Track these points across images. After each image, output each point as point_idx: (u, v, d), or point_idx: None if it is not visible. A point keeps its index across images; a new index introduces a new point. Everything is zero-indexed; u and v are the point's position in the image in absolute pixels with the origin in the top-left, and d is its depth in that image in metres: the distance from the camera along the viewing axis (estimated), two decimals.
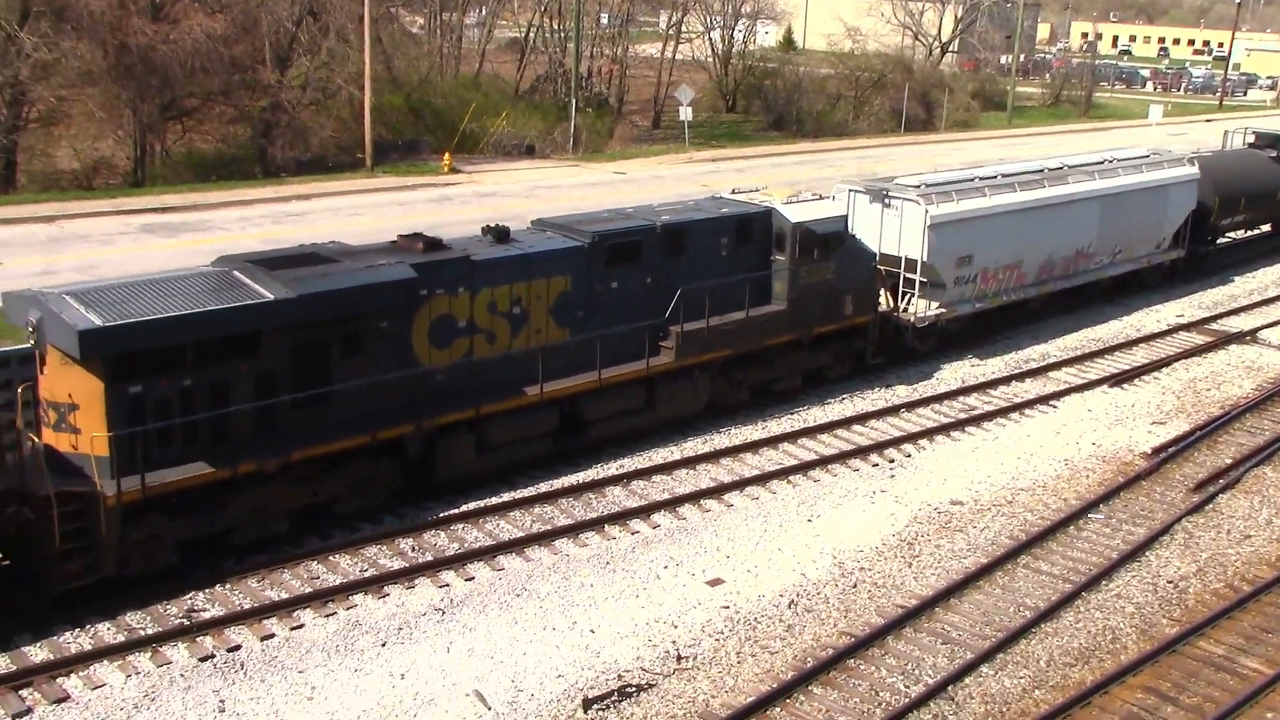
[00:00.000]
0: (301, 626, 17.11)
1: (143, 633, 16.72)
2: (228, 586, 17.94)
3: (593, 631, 17.44)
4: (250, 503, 18.62)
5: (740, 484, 22.51)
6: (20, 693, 15.31)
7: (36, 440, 17.38)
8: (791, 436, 24.88)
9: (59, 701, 15.23)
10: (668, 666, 16.62)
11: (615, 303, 22.98)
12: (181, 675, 15.90)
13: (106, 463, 17.13)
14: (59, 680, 15.57)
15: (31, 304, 17.70)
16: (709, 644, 17.26)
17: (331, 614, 17.44)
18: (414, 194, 48.90)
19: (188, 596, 17.63)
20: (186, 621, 16.96)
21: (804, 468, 23.41)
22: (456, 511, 20.74)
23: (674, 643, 17.24)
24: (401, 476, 20.52)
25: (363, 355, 19.68)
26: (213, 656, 16.28)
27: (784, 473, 23.08)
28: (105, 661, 15.99)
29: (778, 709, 15.64)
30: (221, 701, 15.42)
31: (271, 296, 18.29)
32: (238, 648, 16.52)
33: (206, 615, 17.23)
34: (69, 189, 49.60)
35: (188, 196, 45.22)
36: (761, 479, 22.76)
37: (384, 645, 16.84)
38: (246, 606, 17.41)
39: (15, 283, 20.04)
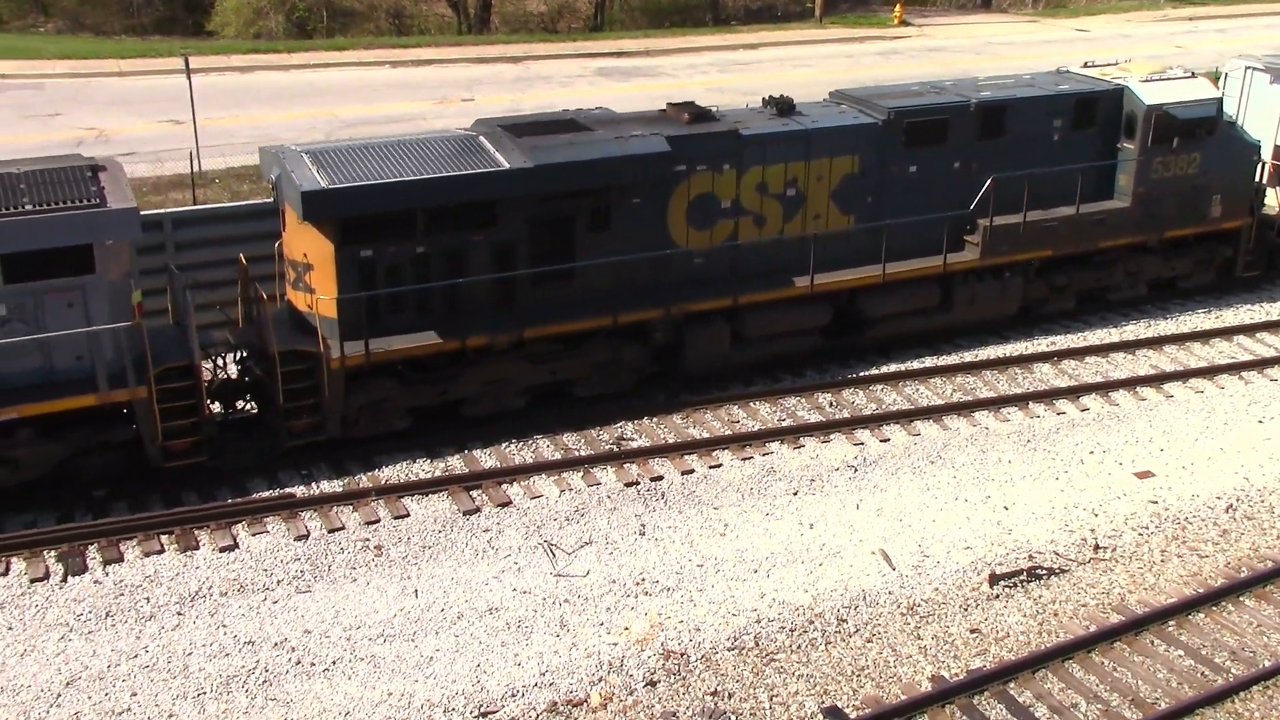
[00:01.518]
0: (719, 466, 17.91)
1: (577, 453, 18.00)
2: (655, 420, 18.98)
3: (1006, 508, 17.13)
4: (483, 376, 18.52)
5: (1184, 375, 21.04)
6: (471, 493, 16.96)
7: (265, 299, 17.78)
8: (1248, 330, 22.73)
9: (502, 505, 16.81)
10: (1083, 554, 16.14)
11: (912, 188, 21.09)
12: (609, 496, 17.12)
13: (334, 324, 17.46)
14: (504, 486, 17.13)
15: (274, 161, 17.81)
16: (1131, 537, 16.55)
17: (748, 458, 18.11)
18: (861, 46, 48.01)
19: (619, 425, 18.82)
20: (616, 448, 18.08)
21: (1260, 365, 21.40)
22: (877, 373, 20.81)
23: (1092, 531, 16.66)
24: (650, 362, 19.85)
25: (611, 232, 18.85)
26: (637, 484, 17.42)
27: (1234, 368, 21.24)
28: (544, 475, 17.53)
29: (1201, 615, 14.77)
30: (642, 525, 16.49)
31: (507, 165, 17.70)
32: (660, 478, 17.56)
33: (634, 444, 18.31)
34: (536, 31, 52.44)
35: (642, 42, 46.74)
36: (1208, 372, 21.14)
37: (795, 494, 17.31)
38: (670, 441, 18.37)
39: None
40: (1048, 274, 22.59)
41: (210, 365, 18.16)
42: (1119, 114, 22.43)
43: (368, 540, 16.19)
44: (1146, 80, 22.58)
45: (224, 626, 14.53)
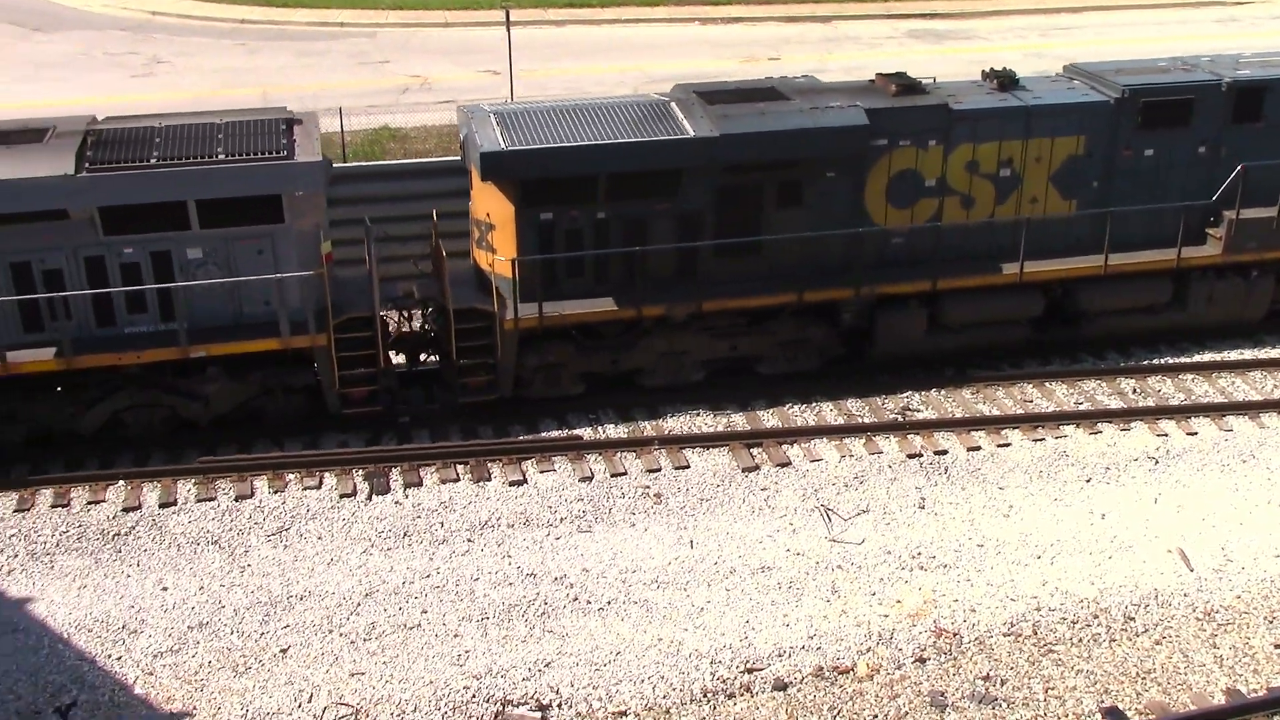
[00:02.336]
0: (1008, 445, 17.38)
1: (860, 420, 17.81)
2: (943, 393, 18.65)
3: None
4: (660, 347, 18.31)
5: None
6: (751, 450, 17.13)
7: (444, 256, 17.74)
8: None
9: (781, 465, 16.92)
10: None
11: (1146, 174, 19.36)
12: (889, 466, 16.88)
13: (512, 285, 17.41)
14: (784, 446, 17.19)
15: (465, 119, 17.86)
16: None
17: (1040, 439, 17.49)
18: (1196, 13, 44.79)
19: (905, 395, 18.56)
20: (900, 418, 17.79)
21: None
22: (1187, 360, 19.48)
23: None
24: (840, 344, 19.13)
25: (802, 207, 18.16)
26: (920, 455, 17.10)
27: None
28: (825, 439, 17.46)
29: None
30: (922, 498, 16.18)
31: (692, 133, 17.29)
32: (944, 452, 17.20)
33: (919, 416, 17.99)
34: None
35: (955, 4, 45.17)
36: None
37: (1088, 481, 16.58)
38: (958, 416, 17.96)
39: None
40: None
41: (396, 318, 18.75)
42: None
43: (648, 487, 16.57)
44: None
45: (509, 557, 15.23)
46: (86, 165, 15.95)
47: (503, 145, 16.85)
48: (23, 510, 16.04)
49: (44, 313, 16.42)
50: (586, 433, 17.84)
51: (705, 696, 13.07)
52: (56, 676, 13.24)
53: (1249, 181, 19.16)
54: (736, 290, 18.08)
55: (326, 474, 16.81)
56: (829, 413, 18.32)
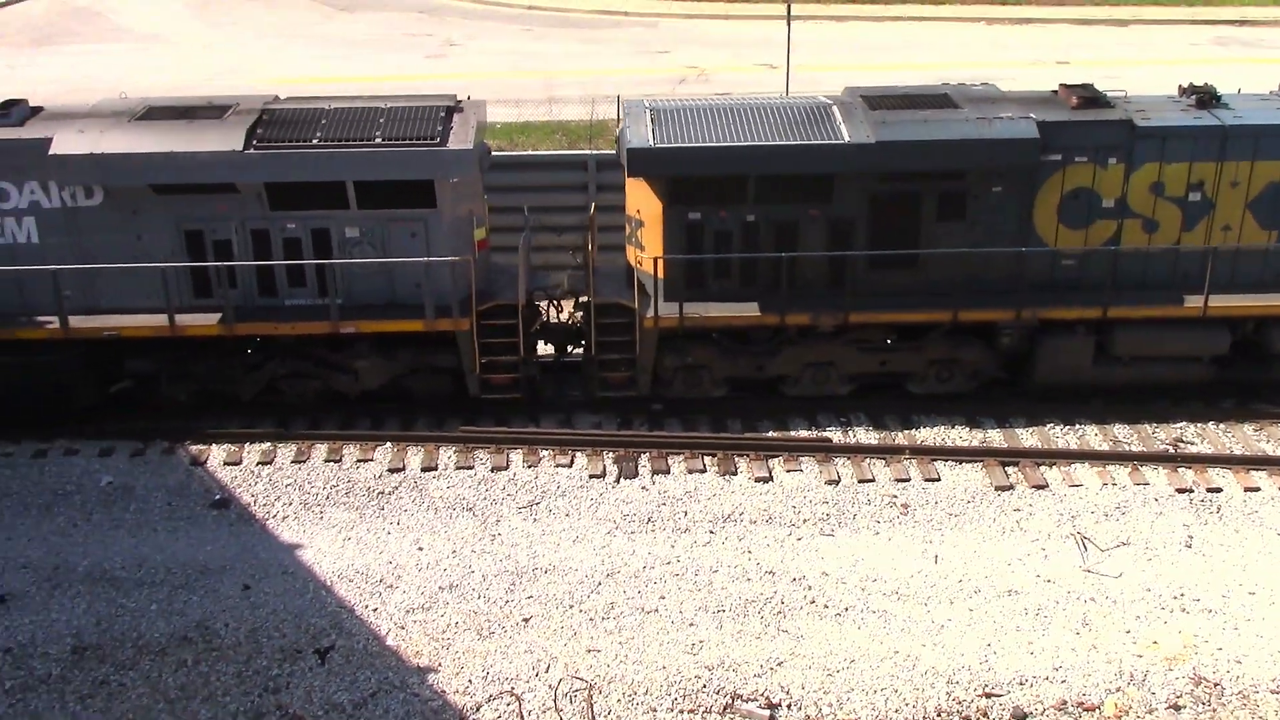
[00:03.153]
0: None
1: (1127, 447, 17.01)
2: (1221, 427, 17.72)
3: None
4: (805, 357, 17.72)
5: None
6: (1006, 469, 16.66)
7: (592, 250, 17.71)
8: None
9: (1038, 487, 16.39)
10: None
11: None
12: (1155, 499, 16.12)
13: (657, 283, 17.18)
14: (1041, 468, 16.62)
15: (623, 114, 17.61)
16: None
17: None
18: None
19: (1178, 426, 17.64)
20: (1172, 450, 16.88)
21: None
22: None
23: None
24: (997, 367, 18.07)
25: (965, 221, 17.26)
26: (1190, 491, 16.27)
27: None
28: (1086, 464, 16.89)
29: None
30: (1190, 537, 15.38)
31: (846, 139, 16.63)
32: (1218, 490, 16.35)
33: (1193, 449, 17.06)
34: None
35: (1269, 10, 42.22)
36: None
37: None
38: (1237, 453, 17.00)
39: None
40: None
41: (544, 307, 18.76)
42: None
43: (895, 497, 16.28)
44: None
45: (749, 553, 15.26)
46: (255, 143, 16.79)
47: (651, 141, 16.77)
48: (300, 462, 17.16)
49: (213, 280, 17.39)
50: (836, 435, 17.66)
51: (939, 716, 12.75)
52: (318, 620, 14.12)
53: None
54: (887, 304, 17.52)
55: (578, 453, 17.25)
56: (1093, 437, 17.51)
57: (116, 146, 16.63)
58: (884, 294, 17.56)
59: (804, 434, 17.70)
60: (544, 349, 19.24)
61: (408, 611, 14.30)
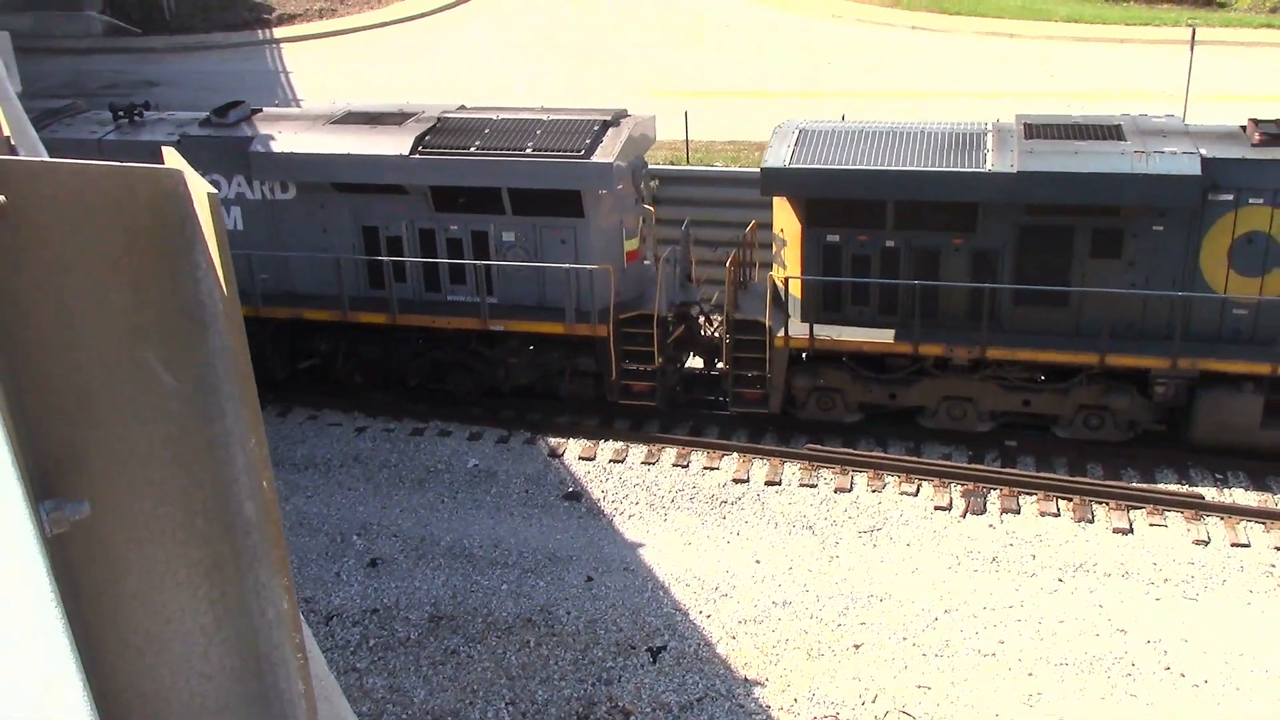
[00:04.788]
0: None
1: None
2: None
3: None
4: (941, 389, 17.31)
5: None
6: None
7: (732, 266, 17.84)
8: None
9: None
10: None
11: None
12: None
13: (795, 303, 17.38)
14: None
15: (773, 134, 17.55)
16: None
17: None
18: None
19: None
20: None
21: None
22: None
23: None
24: (1153, 418, 16.97)
25: (1122, 260, 16.29)
26: None
27: None
28: None
29: None
30: None
31: (990, 168, 16.04)
32: None
33: None
34: None
35: None
36: None
37: None
38: None
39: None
40: None
41: (688, 318, 18.78)
42: None
43: (1273, 566, 14.92)
44: None
45: (1101, 607, 14.42)
46: (420, 149, 17.83)
47: (785, 162, 16.73)
48: (649, 464, 17.71)
49: (386, 273, 18.32)
50: (1209, 493, 16.38)
51: None
52: (653, 620, 14.51)
53: None
54: (1030, 341, 16.77)
55: (924, 483, 16.87)
56: None
57: (306, 147, 18.28)
58: (1029, 331, 16.91)
59: (1173, 487, 16.53)
60: (693, 362, 19.76)
61: (740, 622, 14.45)
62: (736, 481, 17.18)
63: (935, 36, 40.99)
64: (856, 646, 13.99)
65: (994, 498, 16.50)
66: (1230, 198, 15.89)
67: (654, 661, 13.83)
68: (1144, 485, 16.60)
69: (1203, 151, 15.81)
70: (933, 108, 25.84)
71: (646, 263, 19.08)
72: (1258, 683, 13.12)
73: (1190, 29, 27.63)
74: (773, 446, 17.90)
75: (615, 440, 18.27)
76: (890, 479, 17.00)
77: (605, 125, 18.00)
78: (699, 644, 14.10)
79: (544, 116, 18.44)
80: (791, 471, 17.31)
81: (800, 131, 17.46)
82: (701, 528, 16.29)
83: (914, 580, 15.03)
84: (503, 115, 18.71)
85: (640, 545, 15.97)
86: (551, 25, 42.80)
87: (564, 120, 18.21)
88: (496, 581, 15.35)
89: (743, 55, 38.43)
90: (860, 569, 15.31)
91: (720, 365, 18.90)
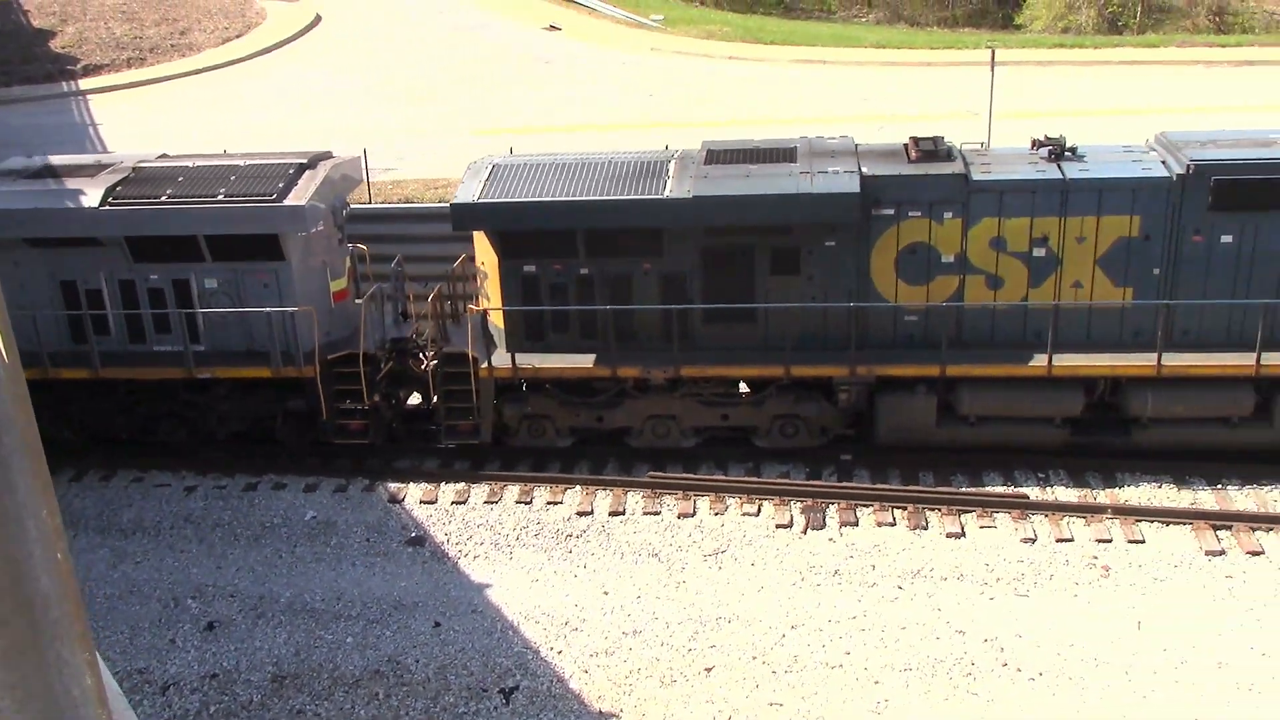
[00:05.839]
0: None
1: None
2: None
3: None
4: (646, 409, 17.76)
5: None
6: (1218, 533, 15.81)
7: (433, 300, 18.14)
8: None
9: (1253, 554, 15.51)
10: None
11: (1225, 264, 16.46)
12: None
13: (501, 334, 17.59)
14: (1257, 533, 15.72)
15: (466, 170, 17.90)
16: None
17: None
18: None
19: None
20: None
21: None
22: None
23: None
24: (842, 423, 17.79)
25: (800, 275, 17.04)
26: None
27: None
28: None
29: None
30: None
31: (668, 194, 16.60)
32: None
33: None
34: None
35: None
36: None
37: None
38: None
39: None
40: None
41: (391, 356, 18.66)
42: None
43: (1095, 558, 15.60)
44: None
45: (939, 610, 14.85)
46: (111, 200, 17.65)
47: (476, 197, 17.03)
48: (492, 503, 17.58)
49: (85, 327, 18.10)
50: (1034, 492, 17.06)
51: None
52: (504, 660, 14.38)
53: None
54: (721, 358, 17.38)
55: (765, 502, 17.15)
56: None
57: None
58: (721, 348, 17.43)
59: (1000, 489, 17.16)
60: (412, 398, 19.81)
61: (591, 655, 14.43)
62: (581, 514, 17.18)
63: (752, 66, 41.94)
64: (708, 670, 14.10)
65: (833, 512, 16.86)
66: (891, 212, 16.78)
67: (507, 703, 13.70)
68: (973, 489, 17.18)
69: (864, 170, 16.70)
70: (753, 134, 26.39)
71: (358, 301, 18.82)
72: (1088, 671, 13.68)
73: (991, 50, 28.89)
74: (615, 477, 17.97)
75: (456, 481, 18.08)
76: (732, 501, 17.23)
77: (301, 168, 18.05)
78: (551, 681, 14.02)
79: (241, 162, 18.46)
80: (635, 500, 17.40)
81: (494, 167, 17.80)
82: (548, 563, 16.23)
83: (760, 599, 15.24)
84: (199, 163, 18.55)
85: (487, 586, 15.81)
86: (370, 70, 42.42)
87: (259, 165, 18.23)
88: (341, 635, 15.01)
89: (567, 91, 38.69)
90: (708, 592, 15.45)
91: (431, 399, 19.03)
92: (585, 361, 17.61)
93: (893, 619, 14.74)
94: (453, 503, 17.64)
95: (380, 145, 28.26)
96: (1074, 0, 51.12)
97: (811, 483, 17.53)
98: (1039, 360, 16.78)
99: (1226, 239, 16.53)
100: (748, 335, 17.53)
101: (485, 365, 17.60)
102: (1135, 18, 50.63)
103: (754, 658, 14.24)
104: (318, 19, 49.76)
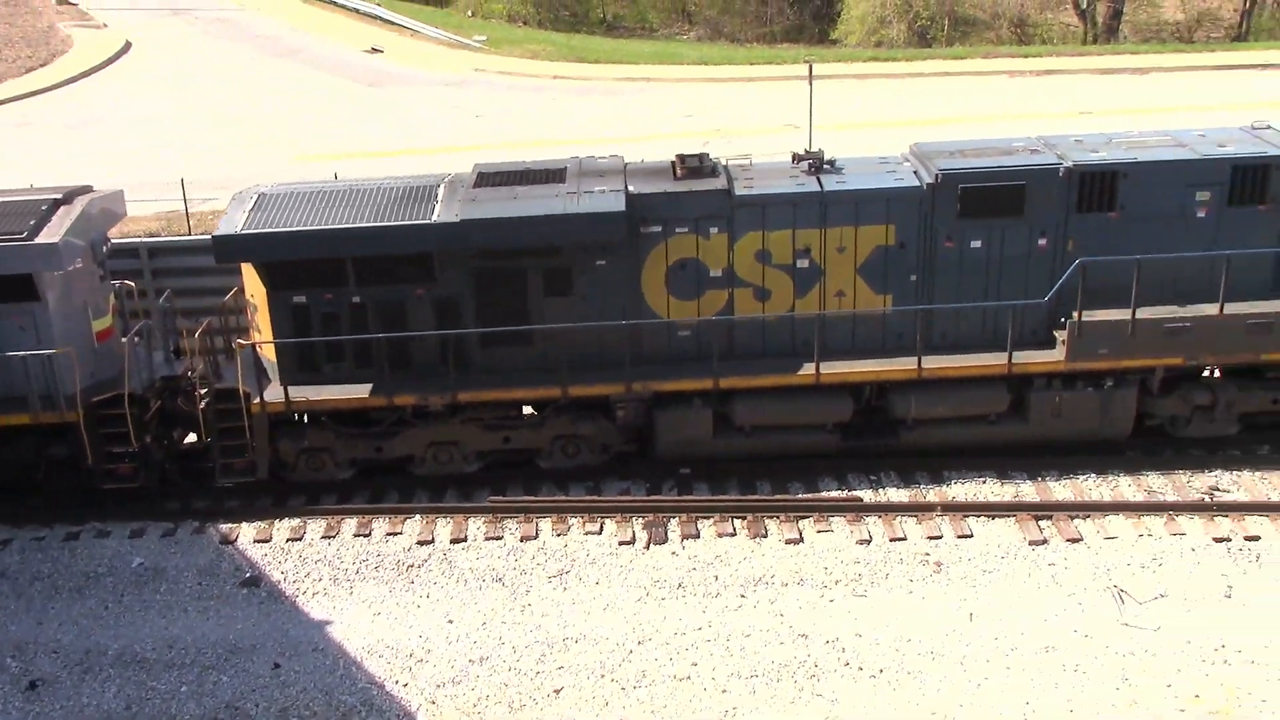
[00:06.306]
0: None
1: (1162, 498, 16.83)
2: (1257, 474, 17.46)
3: None
4: (426, 437, 17.63)
5: None
6: (1040, 523, 16.43)
7: (204, 334, 17.90)
8: None
9: (1072, 540, 16.13)
10: None
11: (976, 268, 17.27)
12: (1192, 549, 15.94)
13: (274, 368, 17.25)
14: (1075, 521, 16.38)
15: (230, 201, 17.59)
16: None
17: None
18: None
19: (1213, 474, 17.43)
20: (1207, 498, 16.69)
21: None
22: None
23: None
24: (622, 440, 17.92)
25: (573, 295, 17.16)
26: (1228, 540, 16.03)
27: None
28: (1121, 515, 16.76)
29: None
30: (1229, 587, 15.15)
31: (435, 219, 16.57)
32: (1256, 538, 16.14)
33: (1229, 497, 16.84)
34: (1168, 41, 49.17)
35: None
36: None
37: None
38: (1274, 499, 16.64)
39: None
40: (1186, 388, 17.53)
41: (177, 393, 18.32)
42: None
43: (927, 555, 16.09)
44: None
45: (781, 615, 15.10)
46: None
47: (239, 229, 16.70)
48: (329, 537, 17.18)
49: None
50: (867, 495, 17.51)
51: None
52: (348, 698, 14.07)
53: (1097, 280, 16.74)
54: (499, 381, 17.38)
55: (608, 520, 17.19)
56: (1127, 488, 17.25)
57: None
58: (500, 371, 17.44)
59: (834, 494, 17.56)
60: (190, 437, 18.96)
61: (438, 686, 14.23)
62: (421, 544, 16.94)
63: (576, 84, 42.19)
64: (557, 691, 14.05)
65: (674, 526, 16.99)
66: (659, 229, 17.03)
67: None
68: (809, 495, 17.53)
69: (631, 188, 16.92)
70: (573, 152, 26.50)
71: (126, 340, 18.03)
72: (925, 664, 14.09)
73: (809, 65, 29.65)
74: (455, 504, 17.77)
75: (291, 518, 17.62)
76: (574, 520, 17.21)
77: (56, 204, 17.30)
78: (398, 715, 13.77)
79: None
80: (476, 526, 17.23)
81: (259, 197, 17.43)
82: (390, 595, 15.95)
83: (606, 617, 15.26)
84: None
85: (328, 623, 15.45)
86: (185, 97, 41.21)
87: (8, 203, 17.33)
88: (175, 684, 14.47)
89: (391, 114, 38.27)
90: (554, 613, 15.40)
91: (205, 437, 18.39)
92: (361, 392, 17.35)
93: (737, 627, 14.92)
94: (288, 540, 17.19)
95: (199, 173, 27.48)
96: (885, 15, 52.92)
97: (652, 498, 17.65)
98: (807, 369, 17.20)
99: (976, 244, 17.19)
100: (525, 357, 17.52)
101: (257, 400, 17.17)
102: (943, 31, 52.67)
103: (602, 676, 14.24)
104: (128, 46, 48.23)
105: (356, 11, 55.34)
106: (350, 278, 17.09)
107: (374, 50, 47.90)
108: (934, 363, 17.21)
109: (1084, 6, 51.39)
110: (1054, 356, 17.20)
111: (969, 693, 13.61)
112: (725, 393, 17.37)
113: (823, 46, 53.01)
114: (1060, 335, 17.18)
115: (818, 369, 17.15)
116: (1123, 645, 14.20)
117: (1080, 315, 16.85)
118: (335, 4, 56.58)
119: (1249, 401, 17.64)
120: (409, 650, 14.84)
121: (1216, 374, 17.91)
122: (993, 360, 17.22)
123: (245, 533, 17.39)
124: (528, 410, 18.28)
